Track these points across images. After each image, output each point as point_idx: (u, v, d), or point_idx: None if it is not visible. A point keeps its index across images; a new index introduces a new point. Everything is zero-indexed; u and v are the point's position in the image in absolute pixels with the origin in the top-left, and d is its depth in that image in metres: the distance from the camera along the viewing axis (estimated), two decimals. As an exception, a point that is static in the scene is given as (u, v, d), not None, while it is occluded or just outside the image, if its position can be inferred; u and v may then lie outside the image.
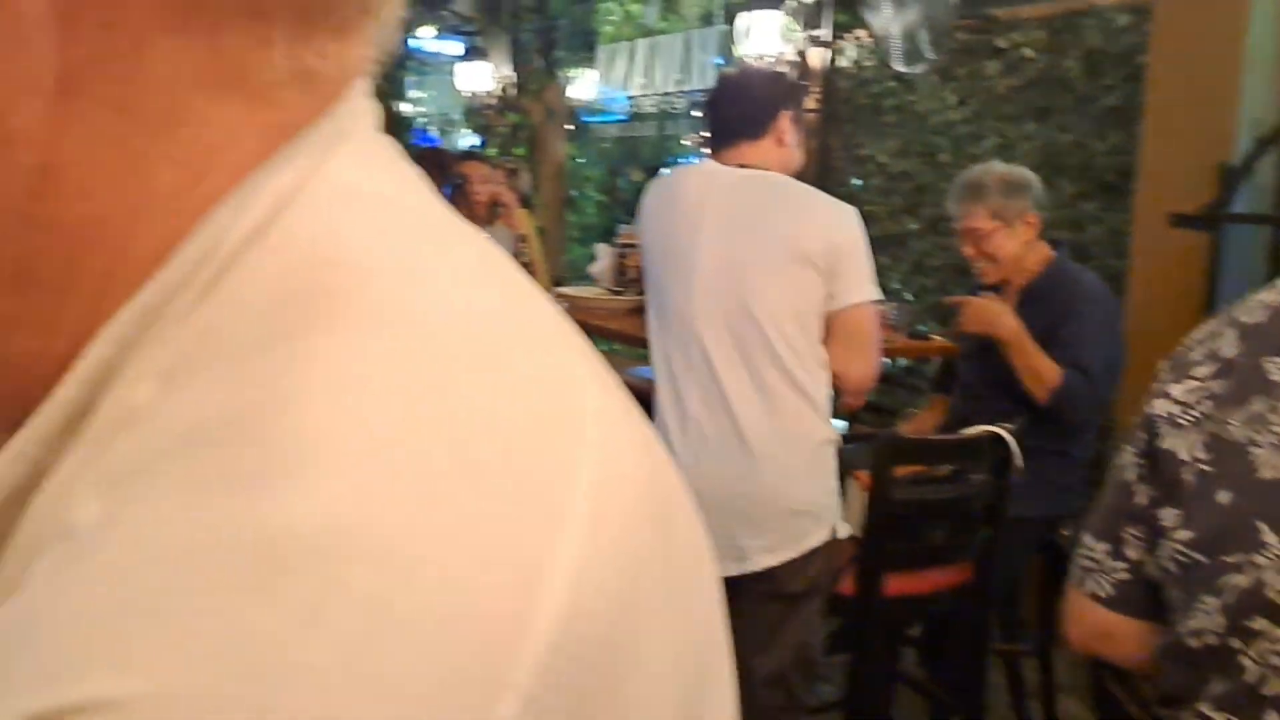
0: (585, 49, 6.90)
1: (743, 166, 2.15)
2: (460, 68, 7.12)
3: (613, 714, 0.25)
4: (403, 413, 0.26)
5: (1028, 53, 3.93)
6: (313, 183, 0.31)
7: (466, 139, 7.12)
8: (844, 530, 2.20)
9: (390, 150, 0.36)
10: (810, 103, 4.54)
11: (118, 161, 0.29)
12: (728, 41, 5.29)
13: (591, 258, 4.54)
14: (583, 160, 7.07)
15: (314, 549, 0.23)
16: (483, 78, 6.94)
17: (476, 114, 7.18)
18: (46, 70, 0.28)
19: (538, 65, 6.90)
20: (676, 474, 0.35)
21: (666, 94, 6.23)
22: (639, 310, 2.50)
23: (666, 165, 6.45)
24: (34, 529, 0.29)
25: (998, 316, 2.64)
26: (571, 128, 6.92)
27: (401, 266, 0.30)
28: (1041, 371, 2.58)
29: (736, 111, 2.19)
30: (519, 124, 6.86)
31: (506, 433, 0.27)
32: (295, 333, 0.27)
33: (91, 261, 0.30)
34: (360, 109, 0.35)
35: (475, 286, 0.32)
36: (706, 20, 5.99)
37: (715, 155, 2.21)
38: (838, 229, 2.11)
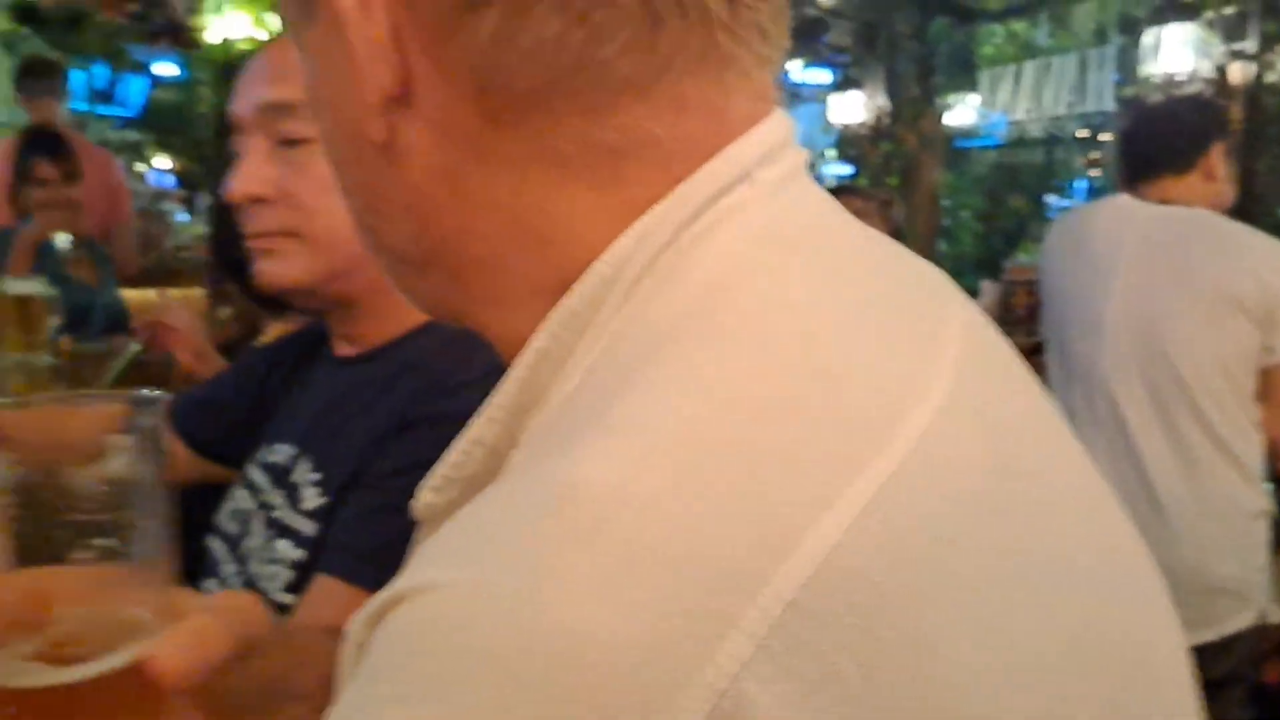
0: (964, 73, 6.68)
1: (1164, 203, 1.96)
2: (833, 98, 7.13)
3: (865, 686, 0.29)
4: (706, 406, 0.33)
5: None
6: (711, 221, 0.38)
7: (834, 169, 7.09)
8: (1276, 614, 1.95)
9: (797, 190, 0.42)
10: (1232, 123, 4.10)
11: (537, 212, 0.40)
12: (1128, 59, 4.91)
13: (970, 291, 4.36)
14: (959, 188, 6.84)
15: (596, 494, 0.31)
16: (856, 107, 6.91)
17: (848, 144, 7.15)
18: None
19: (914, 92, 6.76)
20: (1066, 517, 0.38)
21: (1056, 117, 5.88)
22: (1030, 353, 2.34)
23: (1052, 192, 6.08)
24: (503, 474, 0.40)
25: None
26: (946, 155, 6.70)
27: (770, 299, 0.37)
28: None
29: (1160, 143, 2.01)
30: (892, 153, 6.74)
31: (798, 428, 0.33)
32: (667, 345, 0.35)
33: (519, 282, 0.42)
34: (764, 153, 0.40)
35: (834, 315, 0.37)
36: (1101, 37, 5.60)
37: (1132, 190, 2.04)
38: (1276, 272, 1.87)
